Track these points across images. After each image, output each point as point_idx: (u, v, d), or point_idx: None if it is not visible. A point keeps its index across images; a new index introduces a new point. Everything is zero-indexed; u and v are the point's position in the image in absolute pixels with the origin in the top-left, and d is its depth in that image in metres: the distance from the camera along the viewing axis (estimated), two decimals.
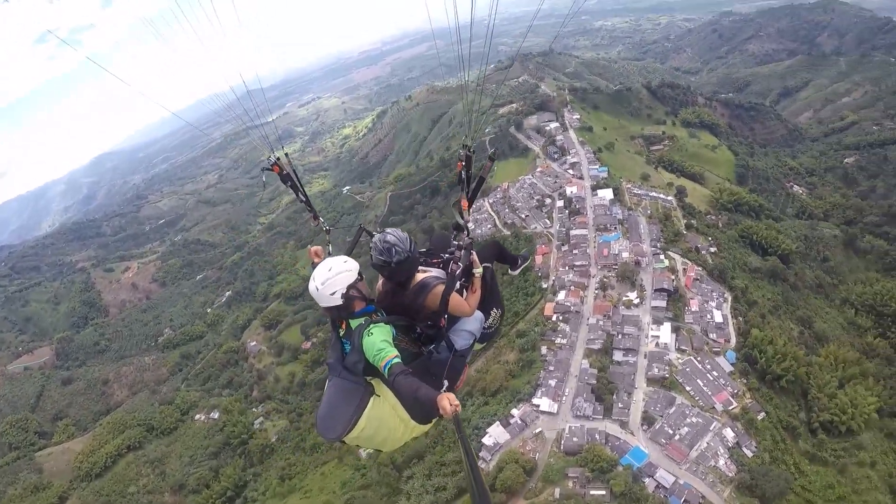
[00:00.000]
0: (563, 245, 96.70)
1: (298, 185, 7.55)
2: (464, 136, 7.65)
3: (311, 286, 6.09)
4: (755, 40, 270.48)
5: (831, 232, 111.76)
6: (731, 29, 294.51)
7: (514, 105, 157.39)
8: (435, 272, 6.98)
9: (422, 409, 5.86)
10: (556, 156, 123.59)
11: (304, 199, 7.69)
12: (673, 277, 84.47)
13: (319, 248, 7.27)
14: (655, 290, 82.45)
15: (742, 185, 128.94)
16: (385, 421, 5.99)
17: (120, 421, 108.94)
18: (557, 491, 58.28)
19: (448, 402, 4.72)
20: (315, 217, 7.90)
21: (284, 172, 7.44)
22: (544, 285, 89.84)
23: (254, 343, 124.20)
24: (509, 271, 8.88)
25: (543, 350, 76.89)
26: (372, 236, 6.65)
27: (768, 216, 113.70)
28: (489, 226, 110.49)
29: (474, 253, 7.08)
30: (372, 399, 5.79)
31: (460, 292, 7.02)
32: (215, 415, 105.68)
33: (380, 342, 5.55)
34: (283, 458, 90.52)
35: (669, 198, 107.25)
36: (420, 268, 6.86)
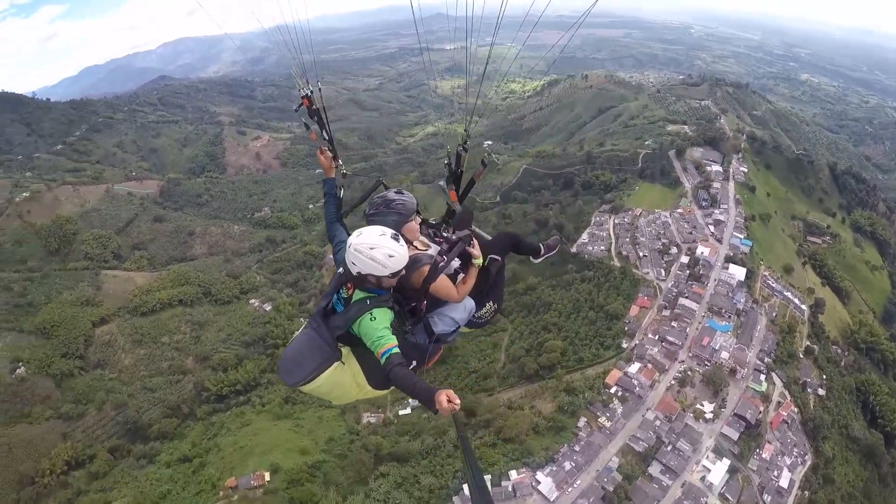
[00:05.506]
0: (665, 308, 77.14)
1: (325, 122, 6.75)
2: (464, 129, 6.97)
3: (384, 252, 5.00)
4: None
5: None
6: None
7: (685, 127, 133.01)
8: (432, 249, 6.03)
9: (378, 379, 5.38)
10: (704, 203, 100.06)
11: (327, 137, 6.80)
12: (761, 410, 64.12)
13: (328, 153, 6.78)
14: (735, 415, 62.85)
15: (887, 325, 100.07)
16: (341, 385, 5.44)
17: (185, 274, 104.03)
18: None
19: (446, 398, 4.03)
20: (335, 158, 6.76)
21: (314, 107, 6.67)
22: (624, 344, 71.86)
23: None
24: (531, 259, 7.48)
25: (581, 422, 60.70)
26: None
27: None
28: (602, 247, 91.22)
29: (476, 242, 6.06)
30: (335, 364, 5.20)
31: (454, 277, 6.07)
32: (268, 307, 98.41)
33: (381, 328, 4.86)
34: None
35: (803, 307, 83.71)
36: (421, 238, 6.12)
